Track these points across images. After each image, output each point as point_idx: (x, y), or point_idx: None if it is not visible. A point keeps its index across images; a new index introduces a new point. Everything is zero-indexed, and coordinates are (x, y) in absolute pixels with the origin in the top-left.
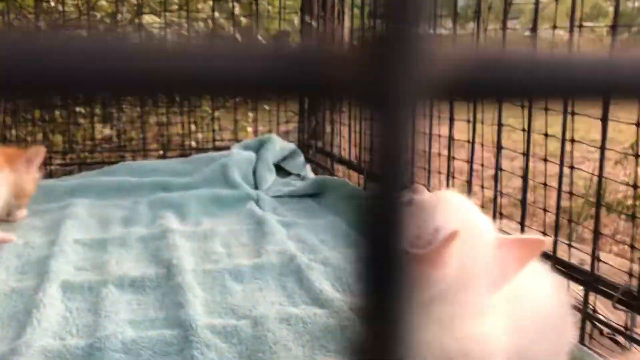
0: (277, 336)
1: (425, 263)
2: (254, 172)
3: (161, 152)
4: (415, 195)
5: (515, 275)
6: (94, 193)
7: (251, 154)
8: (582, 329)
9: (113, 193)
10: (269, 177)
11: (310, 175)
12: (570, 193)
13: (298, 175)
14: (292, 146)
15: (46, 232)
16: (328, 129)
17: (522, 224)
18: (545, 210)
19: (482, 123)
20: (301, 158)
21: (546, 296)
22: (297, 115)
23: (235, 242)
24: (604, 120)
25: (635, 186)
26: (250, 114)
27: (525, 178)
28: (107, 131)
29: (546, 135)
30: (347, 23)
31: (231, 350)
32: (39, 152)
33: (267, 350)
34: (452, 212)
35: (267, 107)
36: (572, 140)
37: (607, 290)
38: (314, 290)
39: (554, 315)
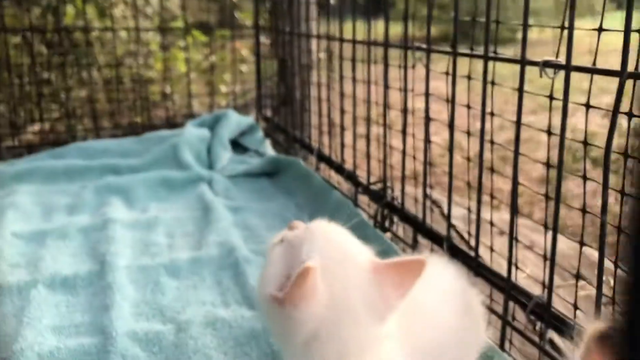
0: (199, 344)
1: (290, 304)
2: (209, 150)
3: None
4: (288, 231)
5: (400, 302)
6: (40, 178)
7: (205, 132)
8: (503, 334)
9: (61, 177)
10: (224, 155)
11: (269, 151)
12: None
13: (256, 151)
14: (249, 120)
15: None
16: (297, 94)
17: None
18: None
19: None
20: (259, 133)
21: (448, 303)
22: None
23: (179, 231)
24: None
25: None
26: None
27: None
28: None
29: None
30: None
31: None
32: None
33: None
34: (320, 242)
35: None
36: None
37: (522, 299)
38: (247, 288)
39: (457, 322)
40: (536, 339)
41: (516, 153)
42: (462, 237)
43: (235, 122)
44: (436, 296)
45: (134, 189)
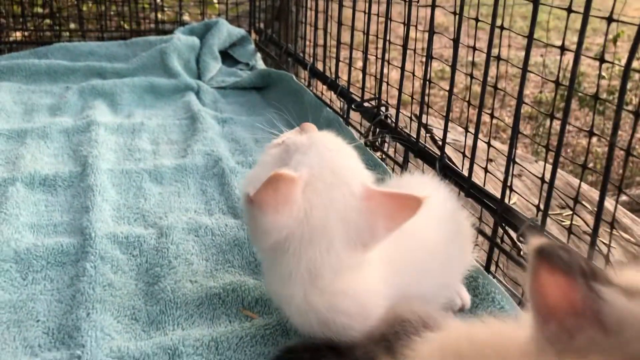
0: (180, 249)
1: (257, 206)
2: (198, 60)
3: (99, 34)
4: (293, 135)
5: (387, 235)
6: (22, 76)
7: (195, 40)
8: (489, 256)
9: (44, 77)
10: (214, 66)
11: (261, 64)
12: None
13: (247, 64)
14: (241, 32)
15: None
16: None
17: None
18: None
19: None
20: (251, 45)
21: (437, 224)
22: None
23: (164, 138)
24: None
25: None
26: None
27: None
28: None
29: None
30: None
31: (129, 263)
32: None
33: (166, 265)
34: (313, 156)
35: None
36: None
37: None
38: (232, 198)
39: (445, 244)
40: (523, 262)
41: (524, 68)
42: (452, 161)
43: (226, 32)
44: (425, 217)
45: (120, 94)
